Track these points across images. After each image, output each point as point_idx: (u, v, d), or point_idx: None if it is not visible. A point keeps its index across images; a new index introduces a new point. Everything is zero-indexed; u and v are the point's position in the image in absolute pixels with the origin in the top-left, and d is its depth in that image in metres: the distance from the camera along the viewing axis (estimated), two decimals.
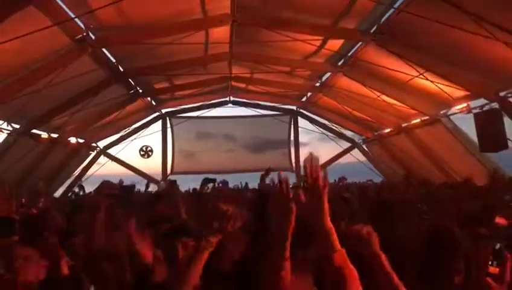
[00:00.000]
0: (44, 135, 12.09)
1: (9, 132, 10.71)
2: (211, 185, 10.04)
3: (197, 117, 18.76)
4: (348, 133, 17.98)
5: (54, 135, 12.68)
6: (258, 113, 18.96)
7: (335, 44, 10.64)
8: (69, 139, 13.80)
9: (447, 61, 8.63)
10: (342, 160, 18.48)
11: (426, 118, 11.99)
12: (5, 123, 10.49)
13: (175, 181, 8.27)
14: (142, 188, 10.63)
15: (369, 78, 11.31)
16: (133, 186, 3.32)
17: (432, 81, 9.47)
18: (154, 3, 8.18)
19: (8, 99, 8.81)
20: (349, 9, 8.52)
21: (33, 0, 6.64)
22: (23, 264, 2.21)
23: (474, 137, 10.28)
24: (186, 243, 2.88)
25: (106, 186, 3.20)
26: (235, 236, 2.56)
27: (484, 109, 9.51)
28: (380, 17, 8.74)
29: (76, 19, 8.24)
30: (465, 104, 10.07)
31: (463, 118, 10.63)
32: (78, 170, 16.27)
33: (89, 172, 16.53)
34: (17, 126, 10.88)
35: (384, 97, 11.76)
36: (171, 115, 18.59)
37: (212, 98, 17.68)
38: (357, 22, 9.06)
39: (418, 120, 12.53)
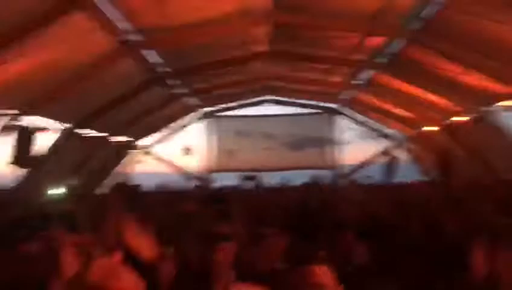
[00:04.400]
0: (90, 134, 12.47)
1: (57, 131, 11.10)
2: (250, 182, 10.14)
3: (236, 116, 18.96)
4: (390, 131, 17.65)
5: (99, 134, 13.06)
6: (297, 112, 18.91)
7: (376, 41, 10.46)
8: (114, 138, 14.19)
9: (493, 57, 8.32)
10: (383, 158, 18.17)
11: (472, 115, 11.60)
12: (54, 123, 10.87)
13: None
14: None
15: (412, 75, 11.05)
16: (137, 185, 3.41)
17: (477, 78, 9.17)
18: (194, 4, 8.28)
19: (55, 101, 9.18)
20: (391, 5, 8.36)
21: (76, 6, 6.87)
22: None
23: None
24: None
25: (118, 187, 3.29)
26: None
27: None
28: (423, 13, 8.52)
29: (119, 22, 8.46)
30: None
31: (510, 115, 10.27)
32: (122, 168, 16.72)
33: (132, 170, 16.97)
34: (64, 126, 11.24)
35: (427, 95, 11.47)
36: (211, 114, 18.85)
37: (252, 97, 17.77)
38: (399, 18, 8.87)
39: (463, 118, 12.15)
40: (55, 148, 11.09)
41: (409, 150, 17.36)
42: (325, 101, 18.22)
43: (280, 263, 3.50)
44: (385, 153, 17.80)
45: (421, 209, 5.04)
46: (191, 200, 6.91)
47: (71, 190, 10.85)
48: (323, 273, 2.00)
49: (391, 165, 7.36)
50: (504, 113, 10.48)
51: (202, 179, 17.44)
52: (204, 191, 9.70)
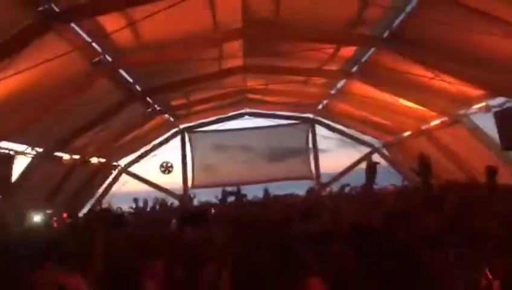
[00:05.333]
0: (66, 157, 12.27)
1: (32, 155, 10.89)
2: (232, 197, 10.08)
3: (214, 131, 18.94)
4: (367, 138, 17.89)
5: (76, 157, 12.86)
6: (275, 123, 19.03)
7: (348, 51, 10.64)
8: (90, 159, 14.00)
9: (463, 61, 8.53)
10: (363, 165, 18.35)
11: (445, 119, 11.84)
12: (29, 148, 10.68)
13: None
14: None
15: (385, 82, 11.25)
16: (122, 215, 3.42)
17: (448, 82, 9.38)
18: (167, 23, 8.30)
19: (31, 125, 9.03)
20: (360, 16, 8.53)
21: (51, 28, 6.82)
22: None
23: (495, 135, 10.12)
24: None
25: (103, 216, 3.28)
26: None
27: (504, 106, 9.36)
28: (392, 22, 8.72)
29: (93, 43, 8.42)
30: (484, 103, 9.93)
31: (483, 117, 10.47)
32: (100, 189, 16.50)
33: (112, 191, 16.76)
34: (40, 150, 11.05)
35: (401, 101, 11.67)
36: (189, 130, 18.81)
37: (229, 111, 17.83)
38: (369, 28, 9.06)
39: (437, 122, 12.38)
40: (29, 173, 10.88)
41: (387, 156, 17.59)
42: (302, 112, 18.39)
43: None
44: (363, 159, 18.00)
45: (403, 214, 5.09)
46: (171, 220, 6.84)
47: (49, 214, 10.63)
48: (318, 285, 2.04)
49: (371, 170, 7.41)
50: (478, 115, 10.68)
51: (182, 196, 17.29)
52: (185, 209, 9.62)
